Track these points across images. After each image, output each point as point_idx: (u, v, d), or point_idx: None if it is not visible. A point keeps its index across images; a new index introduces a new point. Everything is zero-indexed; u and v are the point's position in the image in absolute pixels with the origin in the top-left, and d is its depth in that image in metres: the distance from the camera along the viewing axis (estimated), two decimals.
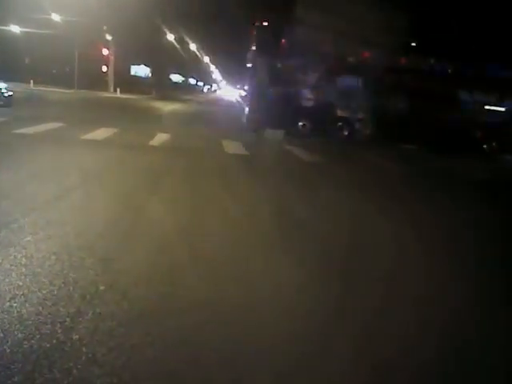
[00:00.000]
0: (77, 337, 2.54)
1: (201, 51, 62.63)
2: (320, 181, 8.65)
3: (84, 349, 2.44)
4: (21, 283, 3.06)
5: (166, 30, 44.80)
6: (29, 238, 3.84)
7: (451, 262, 4.69)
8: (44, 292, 2.98)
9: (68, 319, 2.70)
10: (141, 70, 61.78)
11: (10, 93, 16.48)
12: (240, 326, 2.91)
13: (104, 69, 43.44)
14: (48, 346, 2.43)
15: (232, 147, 11.60)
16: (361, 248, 4.78)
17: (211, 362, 2.51)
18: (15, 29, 36.43)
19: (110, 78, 42.76)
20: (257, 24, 18.15)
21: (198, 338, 2.71)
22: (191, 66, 72.78)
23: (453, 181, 10.98)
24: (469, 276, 4.39)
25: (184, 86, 79.39)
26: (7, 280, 3.08)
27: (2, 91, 16.03)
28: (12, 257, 3.45)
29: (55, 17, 34.77)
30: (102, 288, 3.13)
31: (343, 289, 3.70)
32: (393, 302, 3.54)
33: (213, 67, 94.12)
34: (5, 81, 17.31)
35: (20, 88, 31.17)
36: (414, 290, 3.84)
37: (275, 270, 3.93)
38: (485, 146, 17.63)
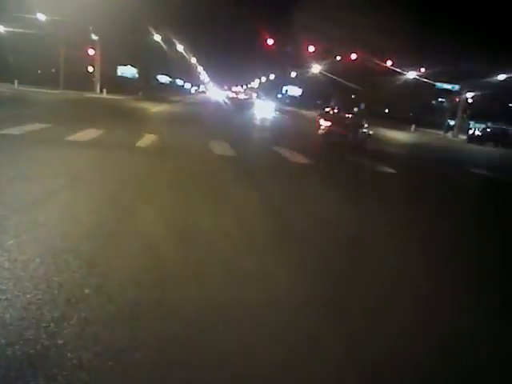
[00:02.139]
0: (62, 342, 2.49)
1: (188, 52, 62.58)
2: None
3: (69, 354, 2.40)
4: (4, 287, 2.99)
5: (152, 30, 44.63)
6: (11, 242, 3.77)
7: None
8: (28, 296, 2.92)
9: (52, 324, 2.65)
10: (127, 71, 61.51)
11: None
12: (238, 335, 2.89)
13: (90, 69, 43.11)
14: (32, 351, 2.38)
15: (219, 148, 11.54)
16: None
17: (202, 364, 2.49)
18: None
19: (97, 79, 42.40)
20: None
21: (190, 339, 2.69)
22: (179, 67, 72.62)
23: None
24: None
25: (171, 87, 79.15)
26: None
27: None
28: None
29: (41, 16, 34.36)
30: (87, 291, 3.08)
31: None
32: None
33: (200, 68, 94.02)
34: None
35: (4, 88, 30.81)
36: None
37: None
38: None
